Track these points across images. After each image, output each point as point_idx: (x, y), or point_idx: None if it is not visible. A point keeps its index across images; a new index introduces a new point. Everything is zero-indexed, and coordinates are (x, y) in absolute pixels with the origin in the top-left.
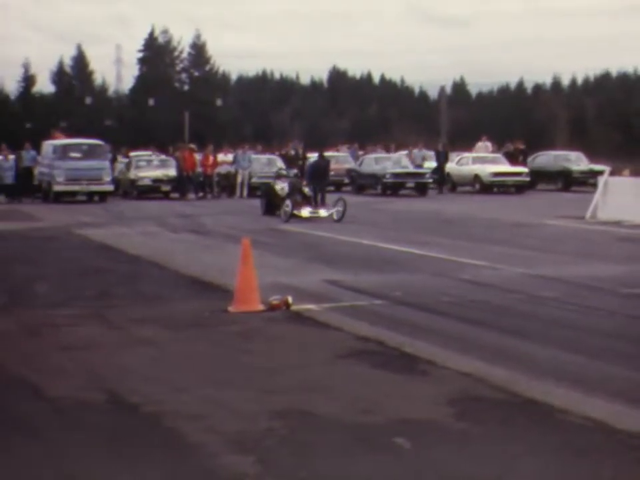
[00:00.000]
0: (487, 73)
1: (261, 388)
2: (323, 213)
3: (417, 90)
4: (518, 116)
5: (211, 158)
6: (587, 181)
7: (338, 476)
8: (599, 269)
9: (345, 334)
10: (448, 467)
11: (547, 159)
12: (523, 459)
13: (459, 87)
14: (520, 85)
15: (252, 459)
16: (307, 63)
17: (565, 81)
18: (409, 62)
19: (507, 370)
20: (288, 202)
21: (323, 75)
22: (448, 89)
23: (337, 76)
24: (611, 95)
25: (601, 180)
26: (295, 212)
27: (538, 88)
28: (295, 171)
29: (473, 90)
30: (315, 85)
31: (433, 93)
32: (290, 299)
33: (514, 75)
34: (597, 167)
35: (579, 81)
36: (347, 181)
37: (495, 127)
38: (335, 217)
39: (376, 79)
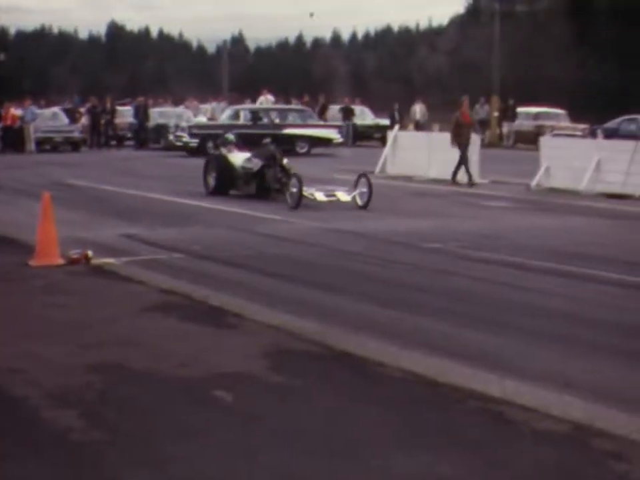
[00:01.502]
0: (266, 27)
1: (73, 342)
2: (342, 196)
3: (194, 44)
4: (298, 70)
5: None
6: (372, 136)
7: (166, 429)
8: (396, 223)
9: (149, 287)
10: (274, 419)
11: (331, 113)
12: (349, 411)
13: (238, 42)
14: (299, 39)
15: (75, 412)
16: (85, 18)
17: (345, 36)
18: (187, 16)
19: (317, 323)
20: (295, 181)
21: (101, 29)
22: (227, 44)
23: (115, 30)
24: (392, 49)
25: (391, 135)
26: (307, 194)
27: (317, 42)
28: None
29: (252, 45)
30: (93, 40)
31: (210, 48)
32: (90, 253)
33: (293, 29)
34: (382, 121)
35: (360, 35)
36: (129, 135)
37: (275, 82)
38: (358, 201)
39: (154, 33)
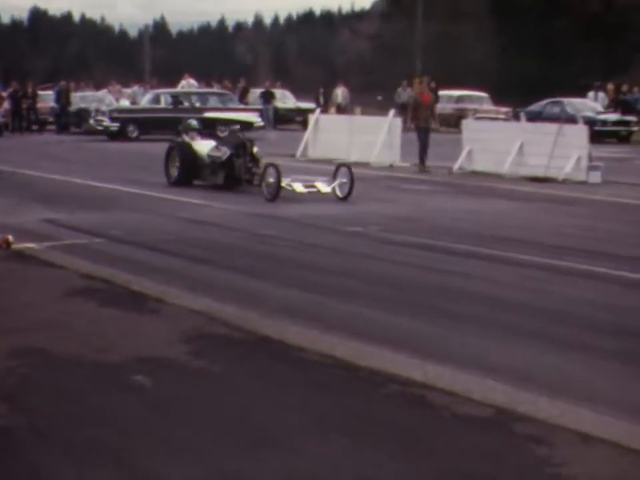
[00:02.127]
0: (188, 11)
1: None
2: (322, 187)
3: (116, 29)
4: (220, 54)
5: None
6: (293, 119)
7: (86, 414)
8: (317, 207)
9: (70, 272)
10: (194, 404)
11: (253, 97)
12: (269, 395)
13: (160, 26)
14: (221, 23)
15: None
16: (7, 2)
17: (268, 20)
18: (109, 1)
19: (238, 308)
20: (271, 170)
21: (23, 14)
22: (149, 28)
23: (38, 15)
24: (314, 33)
25: (312, 118)
26: (285, 185)
27: (239, 26)
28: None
29: (174, 29)
30: (15, 24)
31: (132, 32)
32: (10, 238)
33: (215, 13)
34: (304, 104)
35: (282, 19)
36: (51, 119)
37: (197, 66)
38: (338, 192)
39: (76, 17)
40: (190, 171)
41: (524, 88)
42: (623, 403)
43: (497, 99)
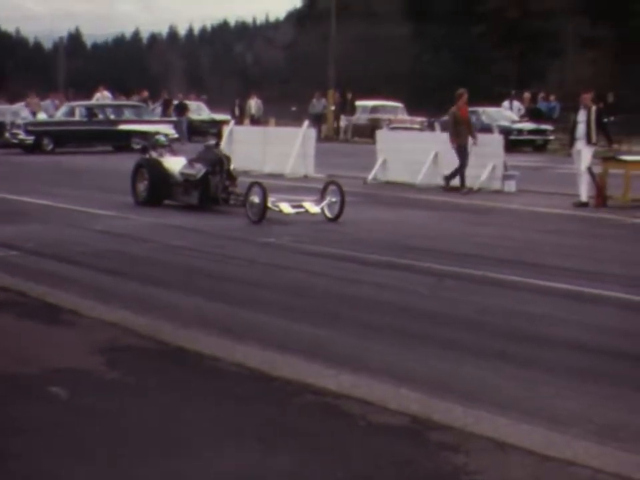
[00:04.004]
0: (103, 23)
1: None
2: (310, 207)
3: (31, 41)
4: (134, 66)
5: None
6: (208, 131)
7: (2, 426)
8: (230, 218)
9: None
10: (109, 415)
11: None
12: (184, 406)
13: (75, 38)
14: (136, 35)
15: None
16: None
17: (182, 31)
18: (24, 13)
19: (152, 319)
20: (257, 189)
21: None
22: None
23: None
24: (228, 44)
25: (226, 129)
26: (271, 206)
27: (154, 38)
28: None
29: (89, 41)
30: None
31: (47, 44)
32: None
33: (129, 25)
34: (218, 116)
35: (196, 30)
36: None
37: (111, 78)
38: (327, 213)
39: None
40: (160, 190)
41: (439, 96)
42: (539, 410)
43: (412, 108)
